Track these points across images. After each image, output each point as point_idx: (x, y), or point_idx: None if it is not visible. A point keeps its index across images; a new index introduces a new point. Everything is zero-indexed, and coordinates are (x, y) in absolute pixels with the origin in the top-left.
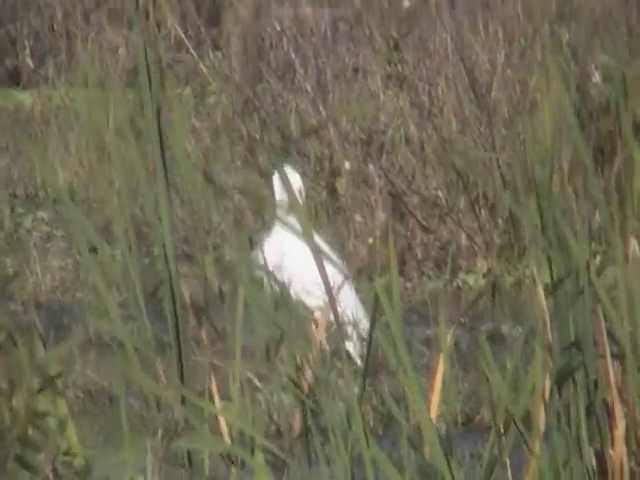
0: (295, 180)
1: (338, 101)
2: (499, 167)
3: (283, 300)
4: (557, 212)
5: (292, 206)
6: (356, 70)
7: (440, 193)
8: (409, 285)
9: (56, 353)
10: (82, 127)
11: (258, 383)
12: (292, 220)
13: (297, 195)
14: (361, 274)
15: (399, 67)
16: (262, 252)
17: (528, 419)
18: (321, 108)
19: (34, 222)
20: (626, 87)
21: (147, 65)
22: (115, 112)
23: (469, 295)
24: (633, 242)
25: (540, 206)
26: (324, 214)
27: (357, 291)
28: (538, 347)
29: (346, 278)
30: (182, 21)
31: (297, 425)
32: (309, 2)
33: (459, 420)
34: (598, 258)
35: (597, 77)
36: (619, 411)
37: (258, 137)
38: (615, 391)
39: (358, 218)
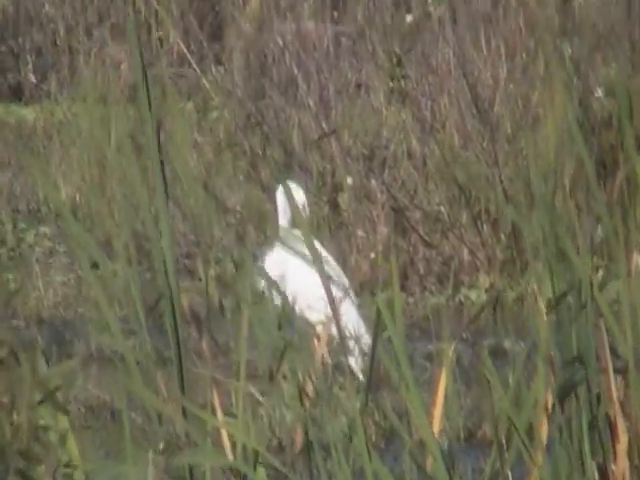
0: (299, 195)
1: (340, 116)
2: (501, 182)
3: (285, 314)
4: (559, 226)
5: (296, 220)
6: (359, 85)
7: (442, 208)
8: (411, 300)
9: (59, 370)
10: (84, 142)
11: (260, 397)
12: (295, 234)
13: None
14: (363, 289)
15: (402, 82)
16: (264, 266)
17: (530, 433)
18: (323, 123)
19: (36, 237)
20: (630, 101)
21: (145, 80)
22: (117, 127)
23: (471, 310)
24: (636, 256)
25: (542, 220)
26: (326, 229)
27: (359, 306)
28: (540, 362)
29: (347, 292)
30: (185, 36)
31: (299, 439)
32: (312, 17)
33: (461, 435)
34: (600, 272)
35: (599, 92)
36: (621, 425)
37: (260, 152)
38: (617, 405)
39: (360, 233)
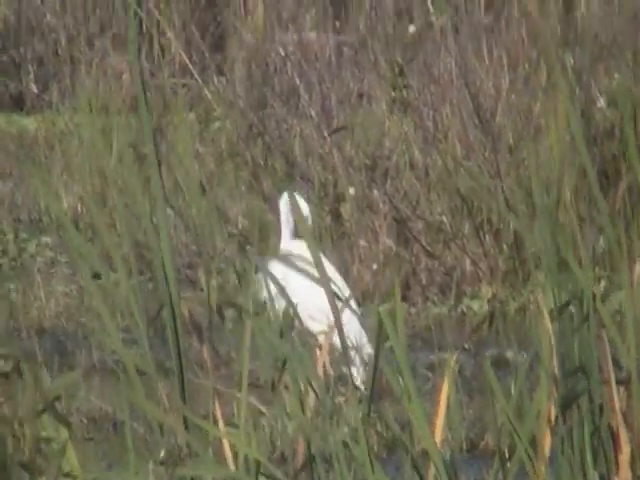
0: (302, 206)
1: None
2: (503, 192)
3: (287, 325)
4: (561, 237)
5: (300, 230)
6: (361, 95)
7: (445, 218)
8: (413, 310)
9: (62, 382)
10: (86, 152)
11: (262, 408)
12: (298, 245)
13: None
14: (365, 299)
15: (404, 92)
16: (266, 276)
17: (533, 444)
18: (325, 133)
19: (38, 247)
20: (635, 110)
21: (144, 91)
22: (118, 138)
23: (474, 320)
24: (638, 267)
25: (544, 230)
26: (329, 239)
27: (361, 316)
28: (543, 373)
29: (348, 302)
30: (186, 46)
31: (301, 450)
32: (313, 27)
33: (464, 446)
34: (603, 283)
35: (602, 102)
36: (624, 436)
37: (262, 162)
38: (620, 416)
39: (362, 243)
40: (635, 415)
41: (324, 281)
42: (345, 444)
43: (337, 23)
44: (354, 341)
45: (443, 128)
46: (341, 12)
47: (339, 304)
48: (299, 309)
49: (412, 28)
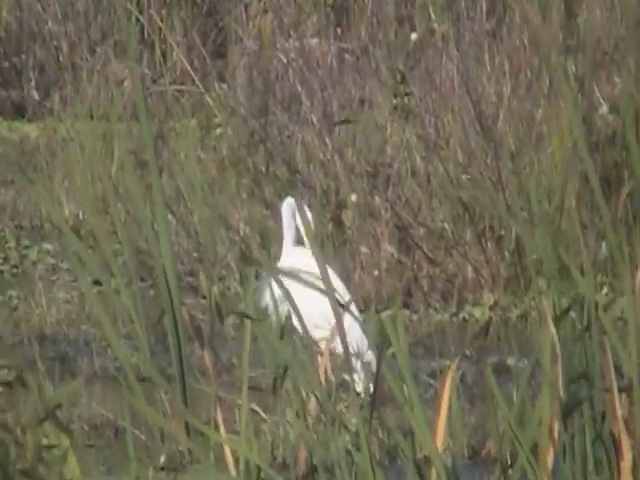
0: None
1: (344, 133)
2: (505, 199)
3: (288, 331)
4: (562, 243)
5: (305, 234)
6: (362, 102)
7: (446, 225)
8: (415, 317)
9: (64, 391)
10: (87, 159)
11: (264, 415)
12: (300, 252)
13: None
14: (367, 306)
15: (405, 99)
16: (268, 283)
17: (534, 451)
18: (327, 140)
19: (39, 254)
20: (637, 117)
21: (144, 97)
22: (119, 145)
23: (475, 327)
24: None
25: (545, 237)
26: (330, 246)
27: (363, 322)
28: (545, 380)
29: (350, 309)
30: (188, 53)
31: (303, 457)
32: (315, 34)
33: (465, 453)
34: (605, 289)
35: (604, 108)
36: (626, 443)
37: (264, 169)
38: (622, 423)
39: (364, 250)
40: (637, 422)
41: (328, 288)
42: (347, 451)
43: (339, 30)
44: (355, 348)
45: (445, 135)
46: (343, 19)
47: (341, 311)
48: (301, 315)
49: (415, 36)
